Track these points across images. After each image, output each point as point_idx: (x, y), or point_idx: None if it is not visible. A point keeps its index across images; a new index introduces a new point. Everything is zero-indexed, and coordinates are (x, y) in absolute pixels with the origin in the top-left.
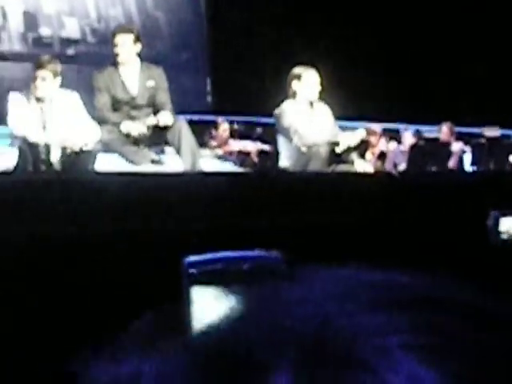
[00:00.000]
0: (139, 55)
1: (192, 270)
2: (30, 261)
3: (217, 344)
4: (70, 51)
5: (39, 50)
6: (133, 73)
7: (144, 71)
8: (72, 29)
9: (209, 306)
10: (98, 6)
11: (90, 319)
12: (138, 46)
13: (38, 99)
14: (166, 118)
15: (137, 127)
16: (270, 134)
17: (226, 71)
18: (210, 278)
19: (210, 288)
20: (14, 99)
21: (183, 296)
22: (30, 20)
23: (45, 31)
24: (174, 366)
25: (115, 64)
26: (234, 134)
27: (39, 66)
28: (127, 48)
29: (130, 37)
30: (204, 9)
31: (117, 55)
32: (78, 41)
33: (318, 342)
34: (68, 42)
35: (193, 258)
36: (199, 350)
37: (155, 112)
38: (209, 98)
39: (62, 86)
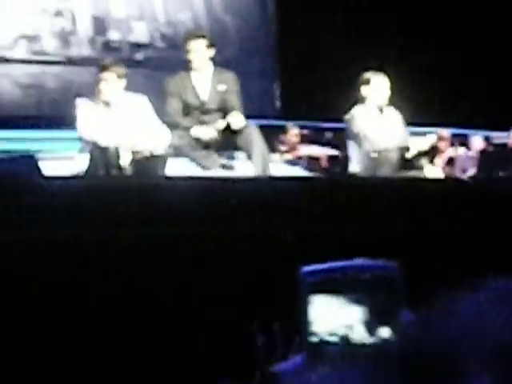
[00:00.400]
0: (212, 60)
1: (309, 279)
2: (102, 265)
3: (411, 352)
4: (139, 56)
5: (108, 55)
6: (205, 78)
7: (216, 76)
8: (141, 33)
9: (327, 315)
10: (166, 10)
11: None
12: (211, 51)
13: (106, 103)
14: (237, 119)
15: (207, 131)
16: (339, 138)
17: (295, 76)
18: (327, 286)
19: (328, 297)
20: (83, 104)
21: (300, 305)
22: (99, 24)
23: (113, 35)
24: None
25: (188, 69)
26: (303, 139)
27: (102, 68)
28: (201, 54)
29: (203, 42)
30: (272, 13)
31: (190, 61)
32: (146, 45)
33: (505, 347)
34: (137, 46)
35: (310, 267)
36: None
37: (225, 116)
38: (277, 103)
39: (130, 90)
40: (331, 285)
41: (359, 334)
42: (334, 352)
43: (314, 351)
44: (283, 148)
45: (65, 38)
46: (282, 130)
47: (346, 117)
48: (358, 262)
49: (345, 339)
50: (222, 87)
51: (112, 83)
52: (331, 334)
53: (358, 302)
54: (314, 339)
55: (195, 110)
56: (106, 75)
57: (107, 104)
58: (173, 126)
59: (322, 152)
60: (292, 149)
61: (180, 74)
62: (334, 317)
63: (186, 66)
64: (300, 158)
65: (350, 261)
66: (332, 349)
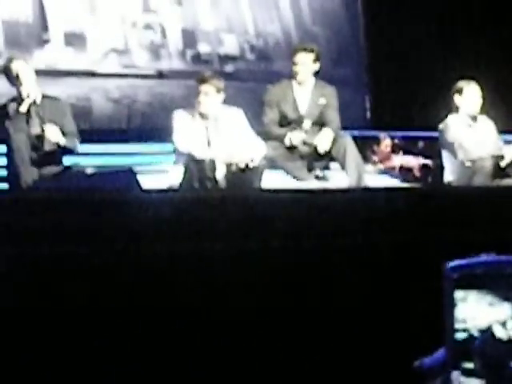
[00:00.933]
0: (316, 73)
1: (454, 274)
2: (198, 276)
3: None
4: (229, 68)
5: (198, 67)
6: (306, 90)
7: (317, 89)
8: (230, 46)
9: (474, 310)
10: (256, 22)
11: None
12: (317, 65)
13: (203, 116)
14: (323, 142)
15: (298, 136)
16: (431, 148)
17: (385, 86)
18: (471, 281)
19: (473, 292)
20: (180, 116)
21: (445, 300)
22: (189, 37)
23: (203, 48)
24: None
25: (290, 79)
26: (395, 149)
27: (202, 80)
28: (306, 67)
29: (311, 56)
30: (362, 23)
31: (296, 74)
32: (236, 58)
33: None
34: (227, 58)
35: (455, 263)
36: None
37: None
38: (368, 114)
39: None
40: (476, 280)
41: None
42: (481, 349)
43: (460, 348)
44: (376, 158)
45: (155, 51)
46: (375, 140)
47: (440, 126)
48: (504, 257)
49: (492, 335)
50: (322, 101)
51: (212, 96)
52: (478, 330)
53: (506, 298)
54: (461, 335)
55: (291, 123)
56: (205, 88)
57: (205, 116)
58: (268, 135)
59: (415, 162)
60: (385, 159)
61: (282, 83)
62: (481, 313)
63: (275, 78)
64: (393, 168)
65: (492, 256)
66: (480, 346)
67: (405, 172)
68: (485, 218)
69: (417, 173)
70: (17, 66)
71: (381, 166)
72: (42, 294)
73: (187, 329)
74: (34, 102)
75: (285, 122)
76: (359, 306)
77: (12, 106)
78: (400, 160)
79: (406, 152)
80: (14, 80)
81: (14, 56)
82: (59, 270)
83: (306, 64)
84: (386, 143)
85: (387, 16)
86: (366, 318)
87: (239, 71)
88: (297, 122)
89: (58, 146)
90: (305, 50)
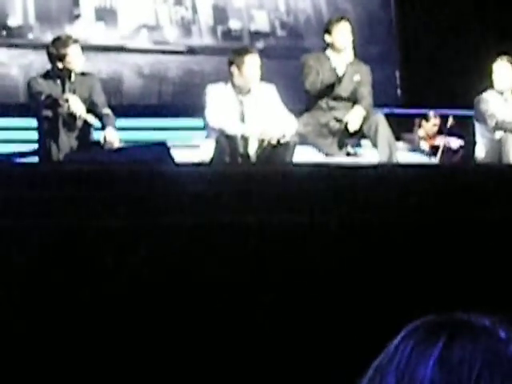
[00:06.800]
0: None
1: None
2: (219, 250)
3: None
4: (260, 45)
5: (229, 44)
6: (343, 62)
7: (353, 66)
8: (261, 22)
9: None
10: None
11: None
12: (352, 38)
13: (240, 89)
14: (355, 121)
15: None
16: (463, 126)
17: (416, 64)
18: None
19: None
20: (214, 91)
21: None
22: (220, 13)
23: (234, 24)
24: None
25: (325, 50)
26: (442, 130)
27: (248, 51)
28: (346, 35)
29: (349, 26)
30: (392, 0)
31: (337, 41)
32: (267, 34)
33: None
34: (257, 35)
35: None
36: None
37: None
38: (399, 91)
39: None
40: None
41: None
42: None
43: None
44: (422, 134)
45: (186, 27)
46: (424, 117)
47: (475, 99)
48: None
49: None
50: (357, 77)
51: (257, 68)
52: None
53: None
54: None
55: (329, 92)
56: (250, 59)
57: (242, 90)
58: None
59: (457, 142)
60: (430, 138)
61: (317, 53)
62: None
63: (306, 54)
64: (437, 147)
65: None
66: None
67: (449, 153)
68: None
69: (458, 155)
70: (68, 51)
71: (424, 144)
72: (71, 267)
73: (222, 302)
74: (69, 78)
75: (322, 91)
76: (390, 283)
77: (46, 81)
78: (443, 140)
79: (440, 131)
80: (56, 58)
81: (67, 39)
82: (87, 244)
83: (346, 32)
84: (434, 122)
85: None
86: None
87: (270, 48)
88: (333, 92)
89: (86, 122)
90: (344, 18)
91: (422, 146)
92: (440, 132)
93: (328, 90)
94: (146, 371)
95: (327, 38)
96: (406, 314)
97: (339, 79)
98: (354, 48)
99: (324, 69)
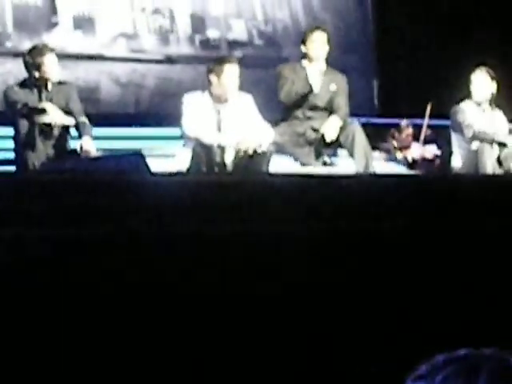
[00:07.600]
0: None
1: None
2: (195, 261)
3: None
4: (237, 53)
5: (206, 53)
6: (318, 72)
7: (328, 75)
8: (239, 31)
9: None
10: (264, 8)
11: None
12: (328, 48)
13: (218, 98)
14: (331, 131)
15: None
16: (439, 135)
17: (393, 74)
18: None
19: None
20: (191, 100)
21: None
22: (198, 22)
23: (212, 33)
24: None
25: (301, 60)
26: (416, 138)
27: (228, 60)
28: (322, 45)
29: (325, 36)
30: (371, 10)
31: (310, 51)
32: (245, 43)
33: None
34: (235, 44)
35: None
36: None
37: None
38: (375, 101)
39: None
40: None
41: None
42: None
43: None
44: (395, 144)
45: (163, 35)
46: (397, 128)
47: (452, 109)
48: None
49: None
50: (333, 87)
51: (235, 77)
52: None
53: None
54: None
55: (303, 103)
56: (230, 68)
57: (220, 99)
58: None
59: (433, 151)
60: (405, 148)
61: (293, 63)
62: None
63: (283, 64)
64: (413, 158)
65: None
66: None
67: (424, 163)
68: (496, 207)
69: (435, 164)
70: (44, 60)
71: (399, 154)
72: (46, 276)
73: (202, 315)
74: (46, 87)
75: (297, 102)
76: (363, 295)
77: (22, 90)
78: (420, 150)
79: (415, 140)
80: (32, 67)
81: (43, 48)
82: (63, 253)
83: (321, 42)
84: (407, 132)
85: (397, 2)
86: (364, 312)
87: (247, 57)
88: (308, 102)
89: (65, 128)
90: (320, 28)
91: (398, 156)
92: (416, 140)
93: (302, 101)
94: (146, 371)
95: (302, 47)
96: (389, 323)
97: (313, 89)
98: (327, 58)
99: (299, 79)
